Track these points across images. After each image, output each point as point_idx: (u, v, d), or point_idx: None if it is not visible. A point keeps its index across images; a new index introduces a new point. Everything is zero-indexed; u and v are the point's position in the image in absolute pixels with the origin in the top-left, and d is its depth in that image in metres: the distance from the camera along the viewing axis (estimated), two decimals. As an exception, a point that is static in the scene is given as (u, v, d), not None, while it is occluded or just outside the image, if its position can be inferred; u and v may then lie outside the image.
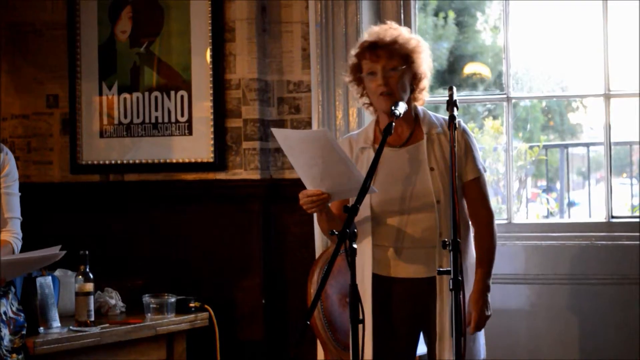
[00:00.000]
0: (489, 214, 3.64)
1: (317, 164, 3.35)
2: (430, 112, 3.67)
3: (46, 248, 3.80)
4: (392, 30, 3.60)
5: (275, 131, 3.44)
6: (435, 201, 3.50)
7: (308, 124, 4.75)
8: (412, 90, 3.60)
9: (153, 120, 4.93)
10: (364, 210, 3.52)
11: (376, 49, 3.54)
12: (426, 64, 3.61)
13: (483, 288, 3.57)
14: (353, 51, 3.64)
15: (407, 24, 4.68)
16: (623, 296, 4.43)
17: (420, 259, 3.53)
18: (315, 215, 3.60)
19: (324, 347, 4.16)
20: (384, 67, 3.52)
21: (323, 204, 3.43)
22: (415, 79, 3.58)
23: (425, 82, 3.63)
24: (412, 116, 3.63)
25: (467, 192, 3.63)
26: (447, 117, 3.40)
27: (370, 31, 3.63)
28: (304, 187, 3.43)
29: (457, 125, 3.31)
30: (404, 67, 3.52)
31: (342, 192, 3.43)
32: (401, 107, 3.44)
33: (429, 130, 3.60)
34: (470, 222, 3.67)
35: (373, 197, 3.53)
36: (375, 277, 3.55)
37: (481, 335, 3.65)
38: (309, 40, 4.68)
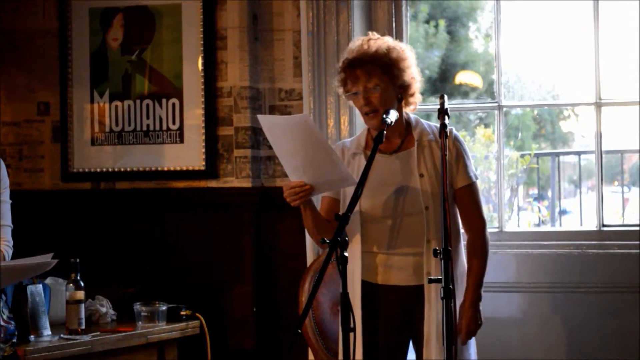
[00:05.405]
0: (481, 222, 3.64)
1: (299, 153, 3.34)
2: (422, 120, 3.67)
3: (38, 256, 3.78)
4: (372, 42, 3.57)
5: (261, 118, 3.43)
6: (424, 207, 3.50)
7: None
8: (402, 99, 3.60)
9: (144, 128, 4.92)
10: (354, 216, 3.52)
11: (354, 69, 3.52)
12: (412, 70, 3.59)
13: (474, 298, 3.56)
14: (338, 66, 3.63)
15: (399, 32, 4.69)
16: (614, 304, 4.43)
17: (408, 267, 3.53)
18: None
19: (315, 354, 4.15)
20: (365, 87, 3.51)
21: (306, 197, 3.41)
22: (401, 88, 3.58)
23: (415, 87, 3.62)
24: (404, 124, 3.63)
25: (458, 200, 3.63)
26: (439, 125, 3.40)
27: (350, 46, 3.62)
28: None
29: (447, 133, 3.30)
30: (384, 84, 3.51)
31: (326, 184, 3.43)
32: (392, 116, 3.44)
33: (420, 138, 3.59)
34: (462, 230, 3.67)
35: (363, 202, 3.53)
36: (364, 284, 3.54)
37: (472, 341, 3.64)
38: (301, 48, 4.68)
